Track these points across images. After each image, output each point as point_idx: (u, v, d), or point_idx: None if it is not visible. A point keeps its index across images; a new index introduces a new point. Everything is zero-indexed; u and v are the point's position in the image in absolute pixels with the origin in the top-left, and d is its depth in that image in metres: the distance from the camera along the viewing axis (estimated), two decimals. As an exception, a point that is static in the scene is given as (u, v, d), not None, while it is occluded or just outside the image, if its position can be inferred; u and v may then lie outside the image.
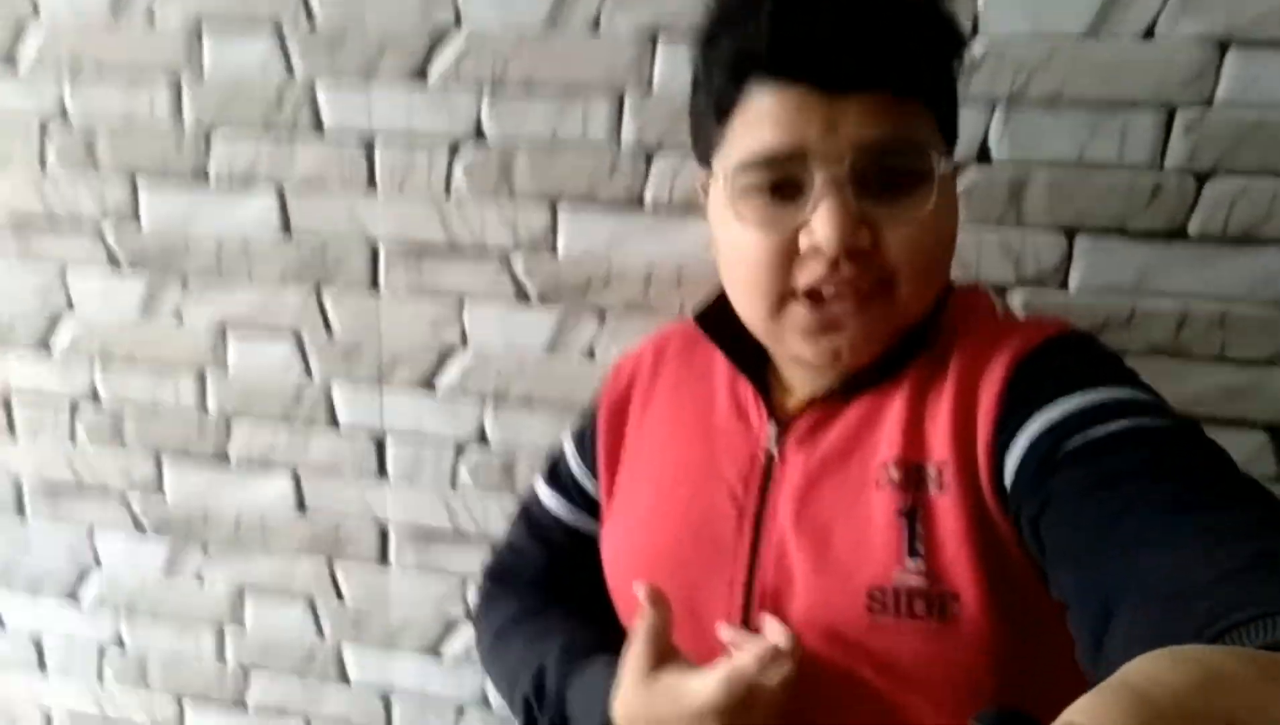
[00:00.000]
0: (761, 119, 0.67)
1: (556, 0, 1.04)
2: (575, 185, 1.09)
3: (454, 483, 1.21)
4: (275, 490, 1.27)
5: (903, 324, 0.71)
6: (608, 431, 0.87)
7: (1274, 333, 0.95)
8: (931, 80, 0.69)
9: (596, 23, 1.04)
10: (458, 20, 1.08)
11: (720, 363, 0.82)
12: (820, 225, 0.65)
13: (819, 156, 0.65)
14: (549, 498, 0.93)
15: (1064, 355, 0.67)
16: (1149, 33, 0.92)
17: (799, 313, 0.70)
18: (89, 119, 1.21)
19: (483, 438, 1.19)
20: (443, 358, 1.18)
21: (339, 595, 1.28)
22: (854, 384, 0.73)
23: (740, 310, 0.75)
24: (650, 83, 1.04)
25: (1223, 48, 0.91)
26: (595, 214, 1.09)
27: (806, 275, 0.68)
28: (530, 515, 0.95)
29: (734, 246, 0.71)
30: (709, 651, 0.70)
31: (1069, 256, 0.98)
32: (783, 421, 0.75)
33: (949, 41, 0.72)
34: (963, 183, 0.98)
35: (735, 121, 0.69)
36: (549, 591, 0.90)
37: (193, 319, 1.25)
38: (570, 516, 0.91)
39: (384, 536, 1.25)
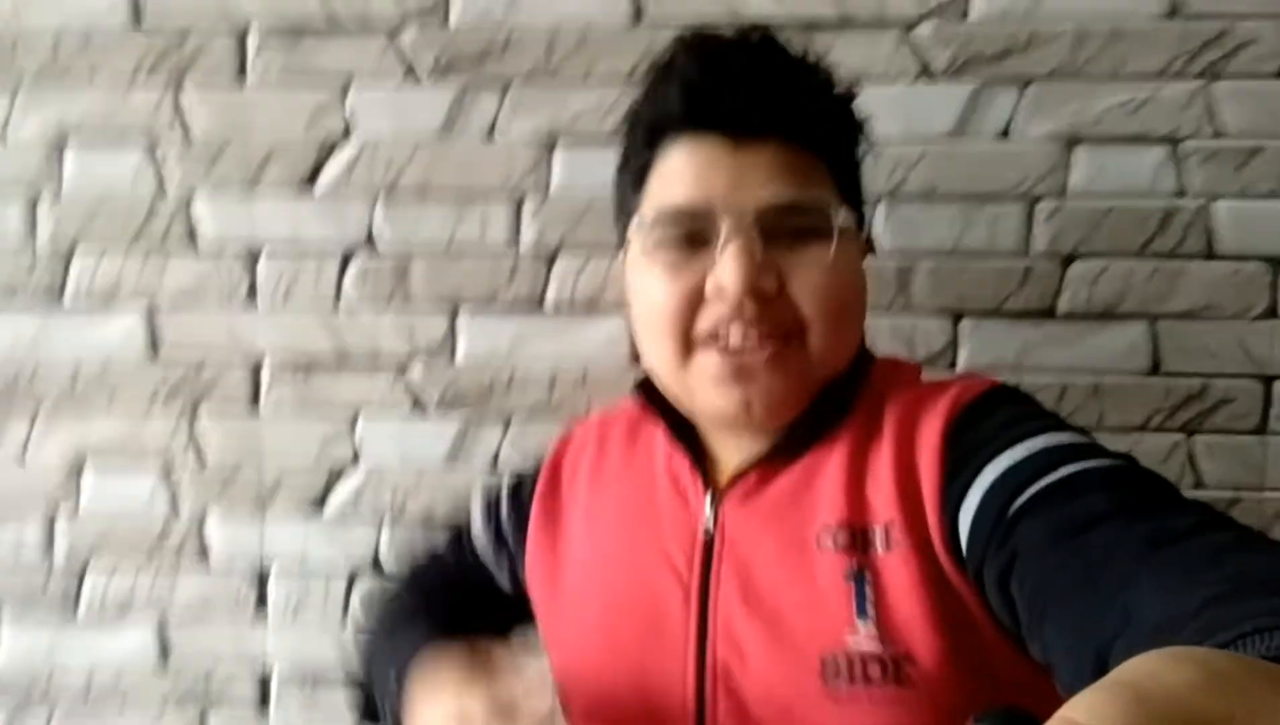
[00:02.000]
0: (674, 174, 0.70)
1: (452, 107, 1.06)
2: (474, 289, 1.08)
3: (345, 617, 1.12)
4: (135, 640, 1.14)
5: (815, 379, 0.72)
6: (545, 497, 0.85)
7: (1144, 399, 1.03)
8: (832, 142, 0.73)
9: (493, 129, 1.06)
10: (347, 130, 1.07)
11: (659, 440, 0.80)
12: (724, 266, 0.67)
13: (725, 207, 0.68)
14: (481, 535, 0.90)
15: (1000, 407, 0.68)
16: (1005, 132, 1.02)
17: (710, 361, 0.70)
18: (-75, 239, 1.11)
19: (377, 563, 1.11)
20: (332, 478, 1.11)
21: (209, 756, 1.14)
22: (784, 448, 0.72)
23: (653, 365, 0.75)
24: (548, 186, 1.06)
25: (1070, 145, 1.02)
26: (496, 317, 1.08)
27: (711, 316, 0.69)
28: (459, 541, 0.92)
29: (645, 298, 0.73)
30: None
31: (954, 338, 1.04)
32: (718, 493, 0.74)
33: (846, 112, 0.77)
34: (854, 273, 1.03)
35: (651, 181, 0.73)
36: (452, 610, 0.85)
37: (43, 453, 1.13)
38: (490, 563, 0.89)
39: (264, 684, 1.13)
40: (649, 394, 0.79)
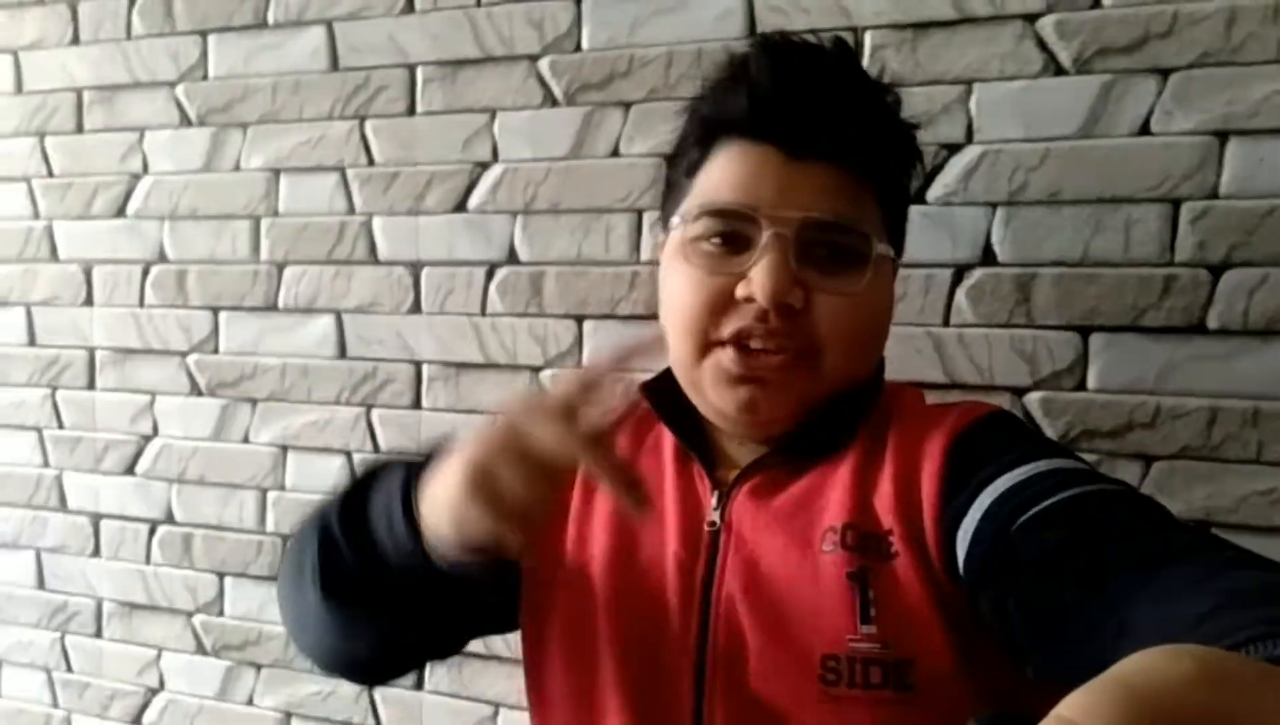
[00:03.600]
0: (723, 173, 0.72)
1: (580, 129, 1.13)
2: (599, 301, 1.14)
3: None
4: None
5: (820, 394, 0.72)
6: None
7: (1314, 429, 0.89)
8: (885, 170, 0.73)
9: (616, 150, 1.12)
10: (495, 154, 1.18)
11: (667, 439, 0.81)
12: (758, 276, 0.68)
13: (769, 216, 0.69)
14: None
15: (1001, 431, 0.69)
16: (1144, 128, 0.92)
17: (724, 357, 0.71)
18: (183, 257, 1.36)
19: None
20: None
21: None
22: (788, 449, 0.73)
23: (672, 357, 0.77)
24: (666, 201, 1.10)
25: (1222, 139, 0.90)
26: (616, 327, 1.13)
27: (735, 322, 0.70)
28: None
29: (676, 290, 0.74)
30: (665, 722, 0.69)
31: (1085, 353, 0.95)
32: (726, 490, 0.75)
33: (904, 142, 0.77)
34: (969, 283, 0.98)
35: (700, 177, 0.74)
36: None
37: (257, 437, 1.33)
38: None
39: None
40: (656, 392, 0.80)
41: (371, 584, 0.69)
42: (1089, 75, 0.94)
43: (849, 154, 0.70)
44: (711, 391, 0.73)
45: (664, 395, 0.79)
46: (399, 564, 0.67)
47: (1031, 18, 0.96)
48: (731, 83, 0.74)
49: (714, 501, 0.75)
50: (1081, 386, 0.96)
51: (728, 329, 0.71)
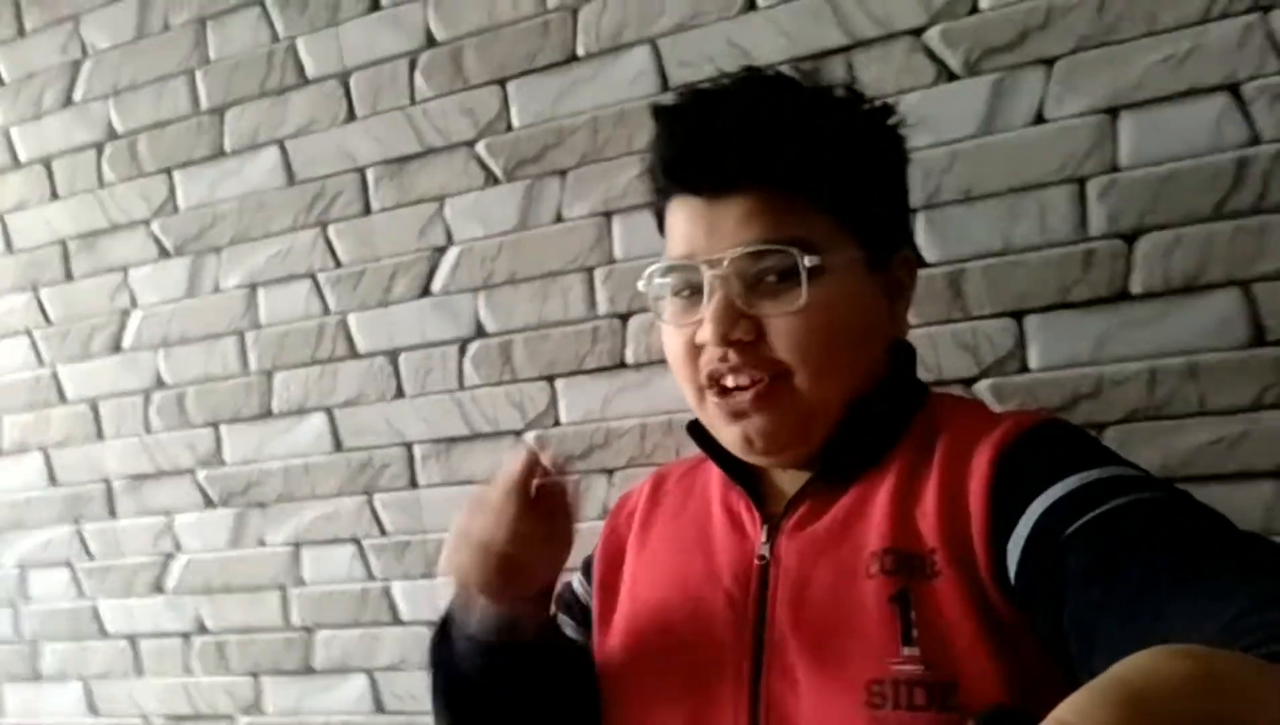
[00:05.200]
0: (672, 229, 0.76)
1: (523, 201, 1.20)
2: (565, 360, 1.19)
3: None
4: (354, 689, 1.35)
5: (811, 412, 0.73)
6: (605, 552, 0.88)
7: (1251, 374, 0.91)
8: (813, 178, 0.72)
9: (559, 216, 1.18)
10: (449, 237, 1.24)
11: (715, 480, 0.83)
12: (705, 320, 0.71)
13: (705, 261, 0.72)
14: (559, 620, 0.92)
15: (1050, 441, 0.68)
16: (1040, 118, 0.97)
17: (713, 401, 0.74)
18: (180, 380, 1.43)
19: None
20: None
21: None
22: (828, 475, 0.74)
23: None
24: (612, 255, 1.16)
25: (1113, 115, 0.95)
26: (586, 382, 1.19)
27: (706, 366, 0.74)
28: None
29: (665, 344, 0.78)
30: None
31: (1021, 337, 0.99)
32: (775, 523, 0.76)
33: (841, 140, 0.74)
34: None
35: (666, 232, 0.78)
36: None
37: (272, 539, 1.39)
38: (571, 632, 0.90)
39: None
40: (701, 432, 0.81)
41: (487, 693, 0.82)
42: (980, 76, 0.99)
43: (764, 174, 0.71)
44: (718, 430, 0.76)
45: (709, 433, 0.80)
46: (490, 660, 0.80)
47: (917, 31, 1.01)
48: (654, 150, 0.78)
49: (763, 535, 0.76)
50: (1024, 368, 0.99)
51: (702, 373, 0.74)
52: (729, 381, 0.73)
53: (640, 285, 0.78)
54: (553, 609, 0.90)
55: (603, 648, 0.84)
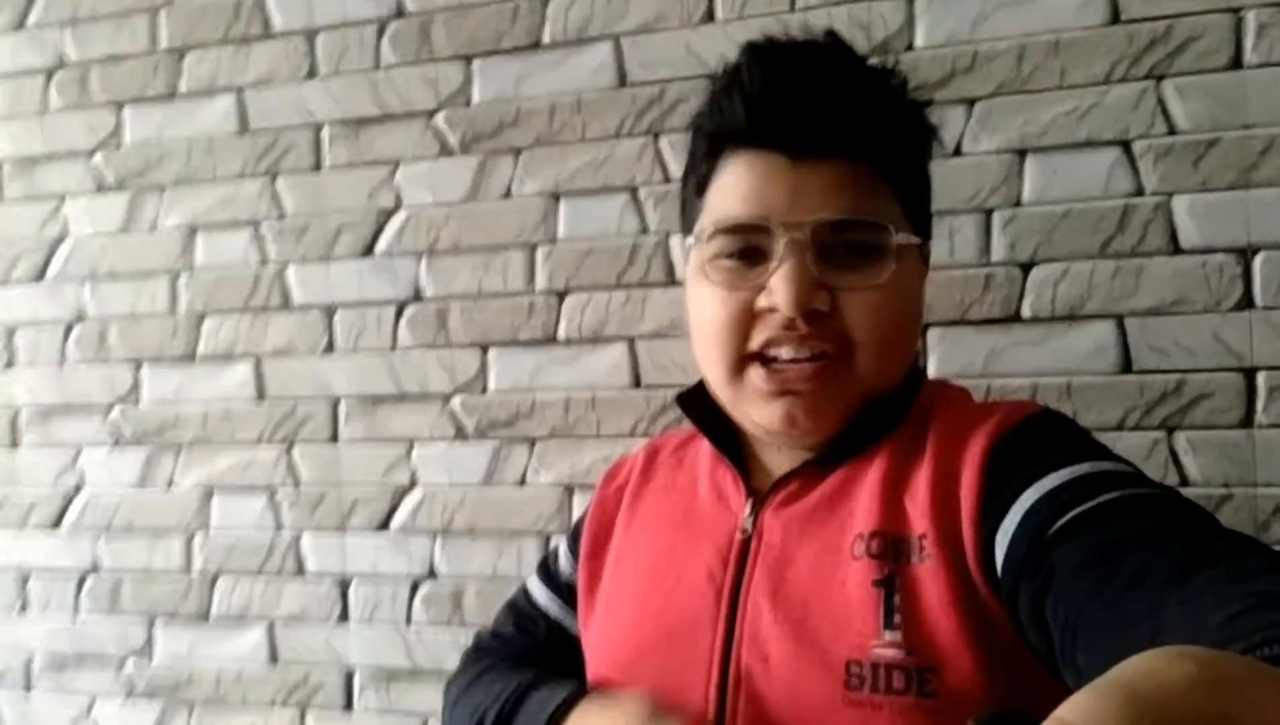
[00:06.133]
0: (733, 188, 0.71)
1: (476, 174, 1.25)
2: (500, 330, 1.25)
3: (409, 619, 1.30)
4: (250, 642, 1.37)
5: (860, 395, 0.72)
6: (593, 525, 0.86)
7: (1118, 398, 1.03)
8: (895, 158, 0.72)
9: (509, 192, 1.24)
10: (398, 202, 1.29)
11: (703, 453, 0.82)
12: (779, 285, 0.68)
13: (782, 224, 0.68)
14: (539, 592, 0.91)
15: (1044, 432, 0.68)
16: (957, 150, 1.08)
17: (757, 375, 0.71)
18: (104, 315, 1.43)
19: (432, 573, 1.29)
20: (396, 499, 1.30)
21: (308, 739, 1.34)
22: (826, 458, 0.73)
23: (706, 376, 0.77)
24: (556, 235, 1.22)
25: (1021, 156, 1.06)
26: (518, 353, 1.24)
27: (762, 334, 0.70)
28: (517, 607, 0.93)
29: (701, 308, 0.74)
30: None
31: (923, 346, 1.09)
32: (759, 498, 0.75)
33: (913, 125, 0.76)
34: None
35: (711, 192, 0.74)
36: (526, 665, 0.86)
37: (181, 482, 1.40)
38: (557, 611, 0.89)
39: (349, 680, 1.32)
40: (691, 405, 0.80)
41: None
42: (909, 107, 1.09)
43: (855, 148, 0.69)
44: (752, 408, 0.73)
45: (699, 406, 0.80)
46: None
47: (859, 61, 1.11)
48: (727, 94, 0.73)
49: (747, 510, 0.75)
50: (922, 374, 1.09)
51: (756, 342, 0.71)
52: (786, 352, 0.70)
53: (686, 241, 0.77)
54: (536, 579, 0.92)
55: (587, 621, 0.84)
